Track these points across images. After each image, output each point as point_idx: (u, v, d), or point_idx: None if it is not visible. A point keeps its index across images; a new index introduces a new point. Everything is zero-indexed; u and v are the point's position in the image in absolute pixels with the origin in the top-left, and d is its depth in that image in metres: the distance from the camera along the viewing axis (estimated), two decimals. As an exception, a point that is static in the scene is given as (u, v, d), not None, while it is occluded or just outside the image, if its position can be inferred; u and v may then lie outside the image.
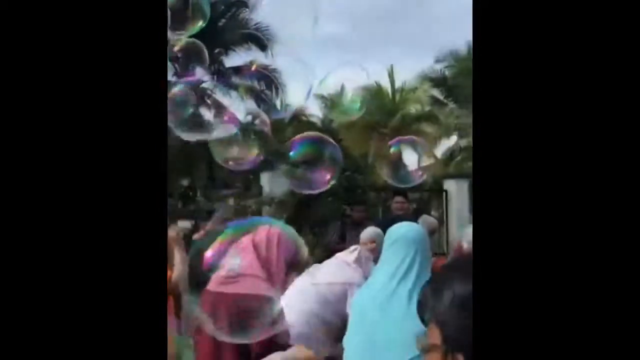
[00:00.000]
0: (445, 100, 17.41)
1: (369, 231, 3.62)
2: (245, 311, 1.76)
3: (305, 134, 3.24)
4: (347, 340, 1.80)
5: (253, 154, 2.95)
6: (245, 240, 1.95)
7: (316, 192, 3.30)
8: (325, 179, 2.88)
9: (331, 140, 2.95)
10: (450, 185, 7.46)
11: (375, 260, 3.31)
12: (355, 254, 2.80)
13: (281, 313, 1.87)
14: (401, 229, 1.84)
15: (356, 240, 4.59)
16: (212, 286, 1.86)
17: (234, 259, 1.88)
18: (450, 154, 16.93)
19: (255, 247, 1.93)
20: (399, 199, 5.07)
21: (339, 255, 2.83)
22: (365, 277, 2.71)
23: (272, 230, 2.01)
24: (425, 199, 8.27)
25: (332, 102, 17.71)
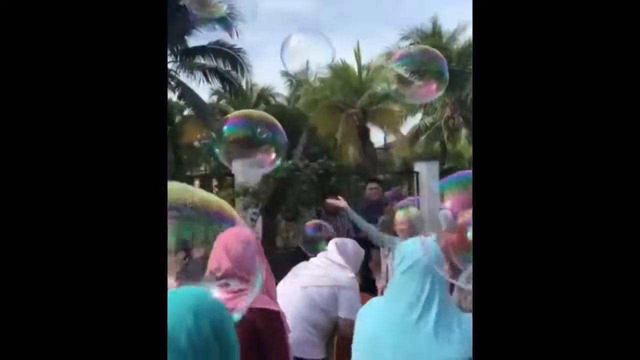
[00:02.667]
0: (410, 79, 17.46)
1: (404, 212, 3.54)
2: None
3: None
4: None
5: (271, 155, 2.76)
6: (221, 249, 1.78)
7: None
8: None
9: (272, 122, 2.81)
10: (421, 167, 7.53)
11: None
12: (335, 250, 2.73)
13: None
14: (415, 253, 1.64)
15: (331, 230, 4.60)
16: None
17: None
18: (416, 132, 17.11)
19: (236, 258, 1.78)
20: (372, 185, 5.09)
21: (323, 254, 2.78)
22: (355, 273, 2.67)
23: (241, 234, 1.84)
24: (397, 181, 8.36)
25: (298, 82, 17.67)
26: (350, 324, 2.48)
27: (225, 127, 2.84)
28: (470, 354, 1.49)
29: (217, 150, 2.80)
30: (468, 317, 1.64)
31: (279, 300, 2.63)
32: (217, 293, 1.69)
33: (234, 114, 3.03)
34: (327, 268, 2.64)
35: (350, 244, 2.77)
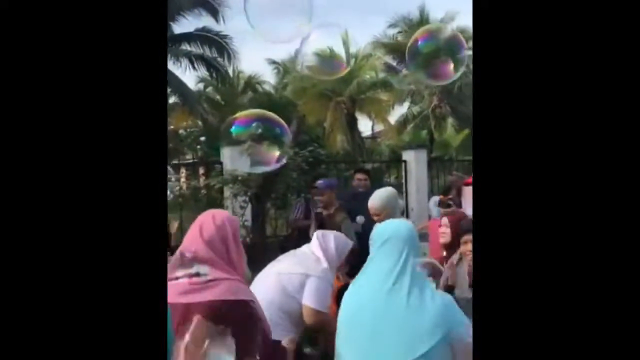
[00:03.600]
0: (398, 67, 17.49)
1: (377, 200, 3.52)
2: (226, 320, 1.58)
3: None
4: (341, 343, 1.75)
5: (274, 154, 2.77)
6: (195, 234, 1.72)
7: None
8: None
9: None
10: (409, 155, 7.57)
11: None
12: (316, 242, 2.75)
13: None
14: (392, 227, 1.79)
15: (318, 217, 4.61)
16: (175, 297, 1.57)
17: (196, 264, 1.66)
18: (404, 120, 17.15)
19: (209, 241, 1.70)
20: (360, 175, 5.05)
21: (307, 245, 2.80)
22: (331, 264, 2.68)
23: (217, 217, 1.77)
24: (385, 169, 8.40)
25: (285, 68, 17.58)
26: (310, 312, 2.49)
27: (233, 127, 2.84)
28: (443, 329, 1.58)
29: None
30: (444, 296, 1.72)
31: (255, 284, 2.65)
32: (186, 284, 1.64)
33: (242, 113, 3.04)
34: (303, 257, 2.65)
35: (333, 237, 2.77)
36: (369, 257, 1.80)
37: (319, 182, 4.48)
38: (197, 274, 1.65)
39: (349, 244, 2.79)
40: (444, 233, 3.03)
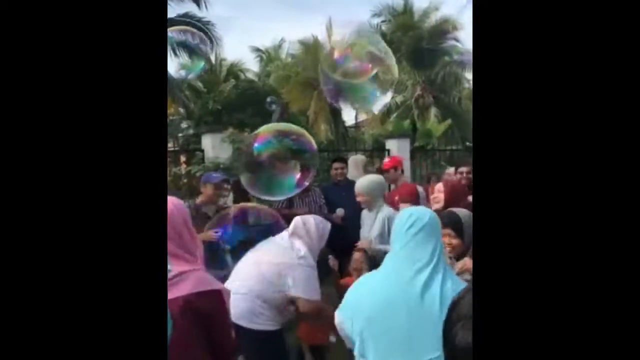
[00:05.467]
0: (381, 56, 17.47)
1: (363, 186, 3.62)
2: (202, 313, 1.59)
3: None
4: (368, 334, 1.67)
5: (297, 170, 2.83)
6: None
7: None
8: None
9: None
10: (392, 144, 7.59)
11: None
12: (297, 228, 2.77)
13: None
14: (425, 216, 1.70)
15: (302, 206, 4.60)
16: None
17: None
18: (387, 110, 17.18)
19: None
20: (337, 164, 5.05)
21: (285, 231, 2.80)
22: (311, 249, 2.68)
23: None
24: (368, 158, 8.40)
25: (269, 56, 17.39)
26: (303, 302, 2.51)
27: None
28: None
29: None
30: (462, 283, 1.70)
31: (237, 273, 2.66)
32: None
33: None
34: (277, 247, 2.67)
35: (312, 220, 2.79)
36: (401, 243, 1.70)
37: (213, 175, 4.42)
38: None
39: (327, 225, 2.82)
40: (436, 197, 2.96)
